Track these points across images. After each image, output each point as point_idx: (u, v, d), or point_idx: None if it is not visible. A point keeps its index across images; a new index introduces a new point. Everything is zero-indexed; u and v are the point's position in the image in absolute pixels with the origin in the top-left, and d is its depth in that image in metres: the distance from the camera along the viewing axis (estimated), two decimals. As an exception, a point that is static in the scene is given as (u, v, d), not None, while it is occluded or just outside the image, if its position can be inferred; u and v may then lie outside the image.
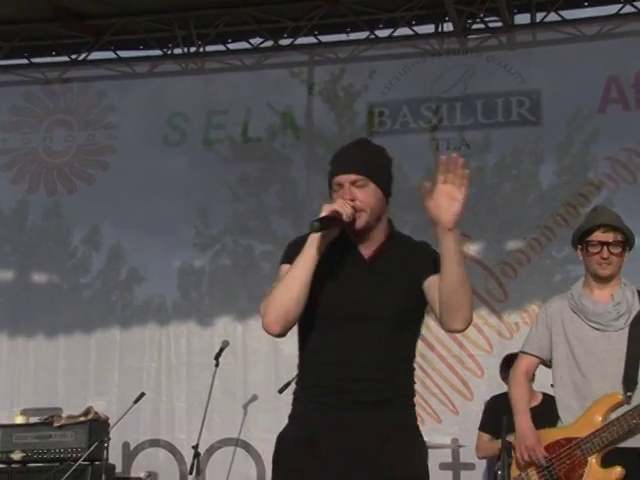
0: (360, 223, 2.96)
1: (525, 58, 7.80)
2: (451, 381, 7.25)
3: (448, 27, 7.97)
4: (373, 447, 2.89)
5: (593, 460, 4.09)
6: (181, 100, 8.39)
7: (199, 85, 8.46)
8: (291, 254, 3.03)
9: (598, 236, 4.18)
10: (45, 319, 8.19)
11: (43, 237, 8.47)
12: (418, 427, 3.04)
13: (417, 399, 3.08)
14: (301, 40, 8.29)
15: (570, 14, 7.80)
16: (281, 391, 6.40)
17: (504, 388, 5.98)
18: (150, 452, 7.71)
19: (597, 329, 4.18)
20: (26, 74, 8.80)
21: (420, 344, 3.16)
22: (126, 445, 7.62)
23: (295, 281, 2.92)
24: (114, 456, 6.81)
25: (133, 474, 7.45)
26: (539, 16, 7.82)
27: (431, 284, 2.94)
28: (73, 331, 8.07)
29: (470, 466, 6.83)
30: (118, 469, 7.11)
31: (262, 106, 8.16)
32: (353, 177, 2.97)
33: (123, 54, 8.66)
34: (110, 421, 6.74)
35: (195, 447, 6.57)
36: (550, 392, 5.01)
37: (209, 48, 8.49)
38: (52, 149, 8.59)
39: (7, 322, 8.28)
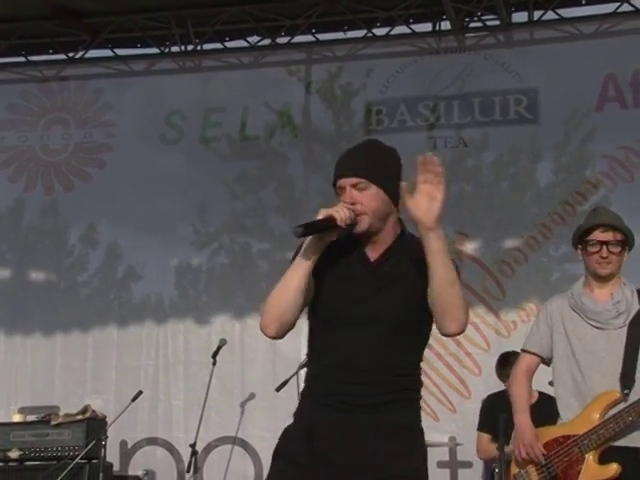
0: (361, 227, 2.94)
1: (523, 56, 7.80)
2: (449, 379, 7.26)
3: (445, 25, 7.96)
4: (370, 448, 2.89)
5: (590, 457, 4.12)
6: (178, 98, 8.38)
7: (196, 83, 8.46)
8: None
9: (597, 235, 4.20)
10: (42, 317, 8.18)
11: (40, 235, 8.46)
12: (420, 429, 3.02)
13: (415, 397, 3.09)
14: (299, 38, 8.29)
15: (568, 12, 7.80)
16: (278, 389, 6.41)
17: (502, 386, 6.01)
18: (148, 450, 7.71)
19: (596, 327, 4.20)
20: (23, 72, 8.79)
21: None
22: (124, 443, 7.62)
23: (288, 285, 2.92)
24: (111, 454, 6.80)
25: (131, 472, 7.44)
26: (537, 14, 7.83)
27: None
28: (70, 329, 8.07)
29: (467, 464, 6.84)
30: (115, 467, 7.10)
31: (259, 104, 8.16)
32: (354, 180, 2.95)
33: (120, 52, 8.66)
34: (107, 419, 6.72)
35: (193, 445, 6.57)
36: (546, 390, 5.03)
37: (206, 46, 8.48)
38: (49, 147, 8.59)
39: (4, 320, 8.27)
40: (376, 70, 8.02)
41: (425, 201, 2.81)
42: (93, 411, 6.76)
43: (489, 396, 6.24)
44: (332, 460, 2.89)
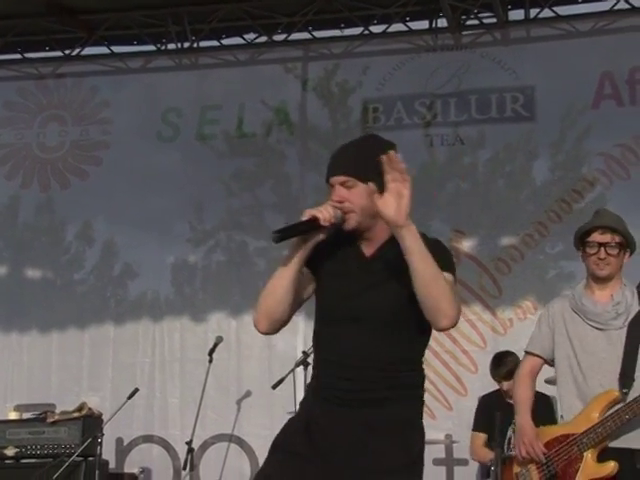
0: (350, 224, 2.96)
1: (519, 54, 7.80)
2: (445, 377, 7.27)
3: (442, 23, 7.96)
4: (362, 443, 2.91)
5: (589, 455, 4.16)
6: (175, 95, 8.38)
7: (193, 80, 8.45)
8: None
9: (596, 237, 4.26)
10: (39, 315, 8.18)
11: (36, 233, 8.45)
12: (419, 425, 3.07)
13: (411, 395, 3.09)
14: (295, 36, 8.28)
15: (564, 10, 7.81)
16: (275, 387, 6.41)
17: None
18: (144, 448, 7.71)
19: (597, 328, 4.25)
20: (19, 69, 8.78)
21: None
22: (120, 441, 7.62)
23: (275, 285, 2.97)
24: (107, 452, 6.80)
25: (127, 470, 7.44)
26: (533, 12, 7.83)
27: None
28: (67, 327, 8.06)
29: (464, 462, 6.84)
30: (112, 465, 7.11)
31: (256, 102, 8.15)
32: (341, 178, 2.97)
33: (117, 49, 8.65)
34: (104, 417, 6.71)
35: (189, 443, 6.58)
36: (542, 390, 5.05)
37: (203, 43, 8.47)
38: (45, 144, 8.58)
39: (0, 318, 8.26)
40: (373, 67, 8.02)
41: (393, 199, 2.81)
42: (89, 409, 6.76)
43: (484, 396, 6.26)
44: (327, 453, 2.91)
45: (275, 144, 8.14)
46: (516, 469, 4.39)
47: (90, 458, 6.44)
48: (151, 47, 8.54)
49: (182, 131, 8.28)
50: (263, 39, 8.34)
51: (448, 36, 7.97)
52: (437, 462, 7.00)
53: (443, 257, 2.92)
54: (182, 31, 8.33)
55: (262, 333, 3.04)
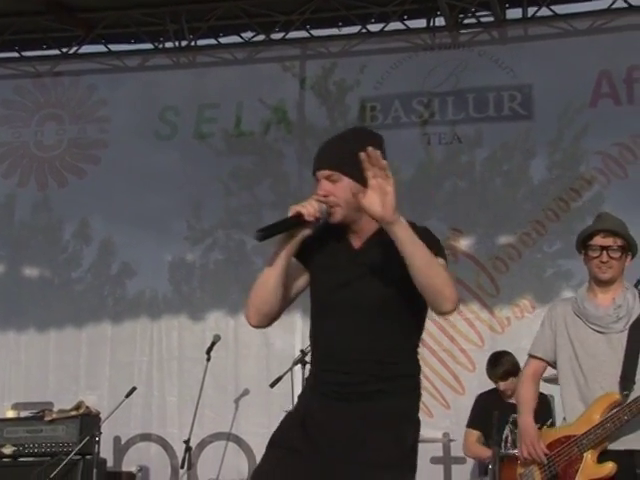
0: (336, 217, 2.98)
1: (517, 53, 7.80)
2: (442, 375, 7.27)
3: (440, 22, 7.97)
4: (358, 436, 2.91)
5: (588, 456, 4.20)
6: (172, 94, 8.37)
7: (190, 79, 8.45)
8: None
9: (598, 240, 4.28)
10: (36, 313, 8.17)
11: (33, 231, 8.45)
12: (415, 417, 3.05)
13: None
14: (293, 34, 8.28)
15: (562, 9, 7.81)
16: (272, 385, 6.41)
17: (495, 383, 6.05)
18: (141, 446, 7.71)
19: (598, 331, 4.28)
20: (17, 67, 8.77)
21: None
22: (117, 439, 7.62)
23: (263, 281, 3.00)
24: (105, 450, 6.81)
25: (124, 468, 7.44)
26: (531, 11, 7.83)
27: None
28: (64, 325, 8.06)
29: (461, 460, 6.85)
30: (109, 463, 7.11)
31: (254, 100, 8.15)
32: (326, 172, 2.99)
33: (114, 48, 8.64)
34: (101, 415, 6.72)
35: (186, 441, 6.57)
36: (541, 388, 5.06)
37: (200, 42, 8.47)
38: (43, 143, 8.57)
39: (-2, 316, 8.27)
40: (370, 66, 8.02)
41: (378, 196, 2.80)
42: (87, 407, 6.76)
43: (481, 394, 6.27)
44: (325, 447, 2.92)
45: (273, 142, 8.14)
46: (520, 470, 4.43)
47: (88, 456, 6.44)
48: (149, 45, 8.53)
49: (180, 130, 8.27)
50: (261, 38, 8.34)
51: (445, 35, 7.97)
52: (435, 460, 7.00)
53: (434, 244, 2.93)
54: (180, 29, 8.32)
55: (253, 327, 3.07)
